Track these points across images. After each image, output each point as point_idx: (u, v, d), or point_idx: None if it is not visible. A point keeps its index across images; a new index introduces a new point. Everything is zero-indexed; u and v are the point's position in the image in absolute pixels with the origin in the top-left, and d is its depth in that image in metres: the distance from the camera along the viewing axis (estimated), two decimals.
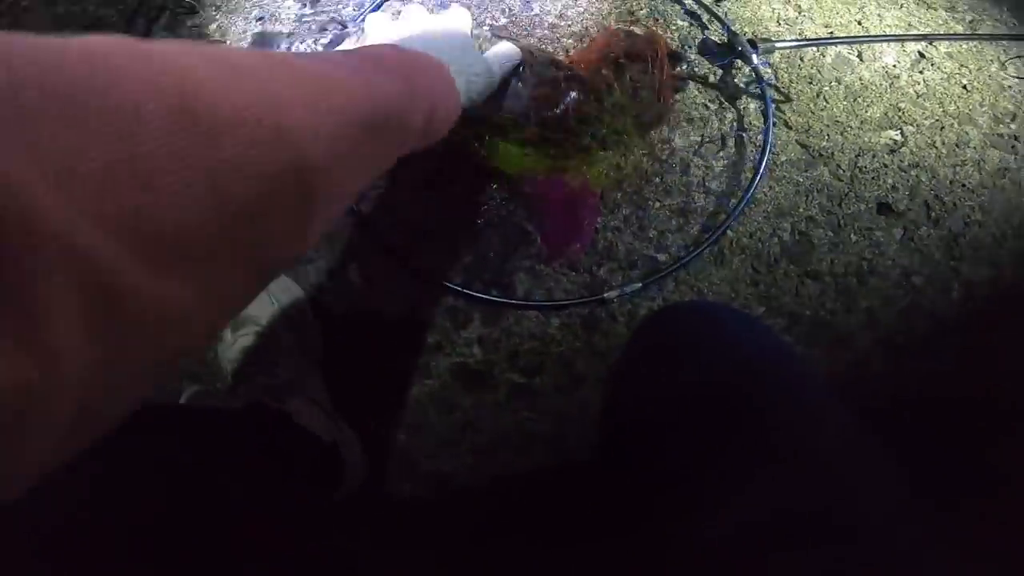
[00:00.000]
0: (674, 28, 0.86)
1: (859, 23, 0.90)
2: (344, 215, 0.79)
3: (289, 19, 0.86)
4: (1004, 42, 0.95)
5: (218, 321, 0.27)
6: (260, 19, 0.86)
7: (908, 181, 0.88)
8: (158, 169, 0.20)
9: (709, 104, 0.85)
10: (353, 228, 0.80)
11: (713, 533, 0.37)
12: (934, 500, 0.36)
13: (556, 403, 0.79)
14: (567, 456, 0.78)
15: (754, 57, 0.81)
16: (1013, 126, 0.92)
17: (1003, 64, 0.95)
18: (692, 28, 0.87)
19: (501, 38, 0.74)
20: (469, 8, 0.79)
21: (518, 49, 0.65)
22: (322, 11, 0.87)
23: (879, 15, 0.92)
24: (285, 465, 0.60)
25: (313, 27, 0.86)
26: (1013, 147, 0.92)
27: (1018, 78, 0.94)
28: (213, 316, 0.25)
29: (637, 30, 0.84)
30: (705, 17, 0.87)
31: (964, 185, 0.90)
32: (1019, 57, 0.95)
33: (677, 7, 0.88)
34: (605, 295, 0.80)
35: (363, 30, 0.59)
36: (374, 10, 0.85)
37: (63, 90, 0.19)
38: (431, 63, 0.48)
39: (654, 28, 0.84)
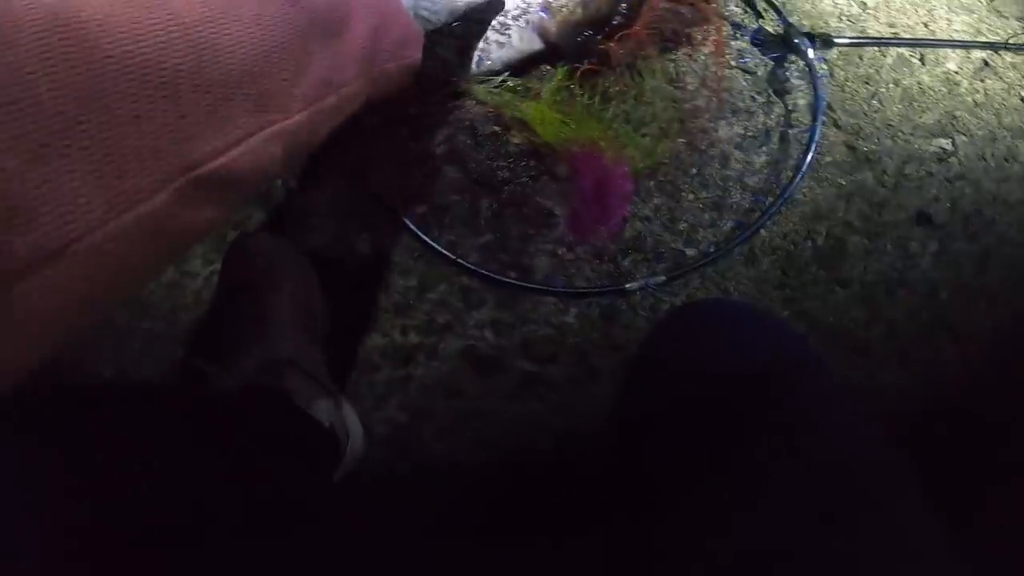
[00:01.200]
0: (727, 14, 0.80)
1: (926, 25, 0.85)
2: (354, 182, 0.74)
3: None
4: None
5: None
6: None
7: (951, 193, 0.84)
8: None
9: (756, 96, 0.79)
10: (365, 198, 0.74)
11: (733, 542, 0.36)
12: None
13: (568, 396, 0.76)
14: (577, 452, 0.75)
15: (809, 52, 0.76)
16: None
17: None
18: (746, 16, 0.81)
19: None
20: None
21: None
22: None
23: (948, 19, 0.86)
24: (282, 449, 0.57)
25: None
26: None
27: None
28: None
29: (684, 10, 0.78)
30: (761, 5, 0.81)
31: (1005, 201, 0.86)
32: None
33: None
34: (627, 286, 0.76)
35: None
36: None
37: None
38: None
39: (707, 10, 0.78)
